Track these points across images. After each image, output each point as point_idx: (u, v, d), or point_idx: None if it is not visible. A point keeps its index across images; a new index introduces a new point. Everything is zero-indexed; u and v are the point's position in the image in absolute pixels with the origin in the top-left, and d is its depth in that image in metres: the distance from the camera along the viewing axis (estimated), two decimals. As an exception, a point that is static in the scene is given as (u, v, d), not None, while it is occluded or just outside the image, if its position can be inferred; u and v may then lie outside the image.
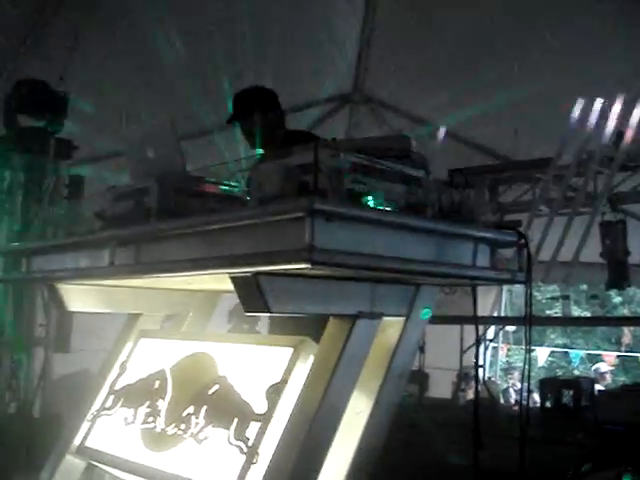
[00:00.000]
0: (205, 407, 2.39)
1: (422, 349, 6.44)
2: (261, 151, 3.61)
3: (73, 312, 3.31)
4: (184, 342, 2.79)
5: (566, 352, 15.98)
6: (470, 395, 7.24)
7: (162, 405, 2.59)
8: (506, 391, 9.49)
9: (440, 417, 5.01)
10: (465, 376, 7.34)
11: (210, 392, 2.42)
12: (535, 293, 2.47)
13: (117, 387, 2.88)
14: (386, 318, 2.23)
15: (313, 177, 1.85)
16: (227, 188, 2.49)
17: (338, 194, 1.89)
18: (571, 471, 3.35)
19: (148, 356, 2.89)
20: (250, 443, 2.16)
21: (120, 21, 5.82)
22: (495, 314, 9.70)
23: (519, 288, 2.51)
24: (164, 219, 2.29)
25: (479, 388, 2.97)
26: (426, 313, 2.33)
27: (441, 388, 7.72)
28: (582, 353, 14.96)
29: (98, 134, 6.00)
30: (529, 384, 2.66)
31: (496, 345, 10.33)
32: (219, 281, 2.20)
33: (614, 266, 6.28)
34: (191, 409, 2.44)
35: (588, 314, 17.67)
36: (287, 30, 6.52)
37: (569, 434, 4.25)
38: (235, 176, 2.61)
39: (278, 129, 3.63)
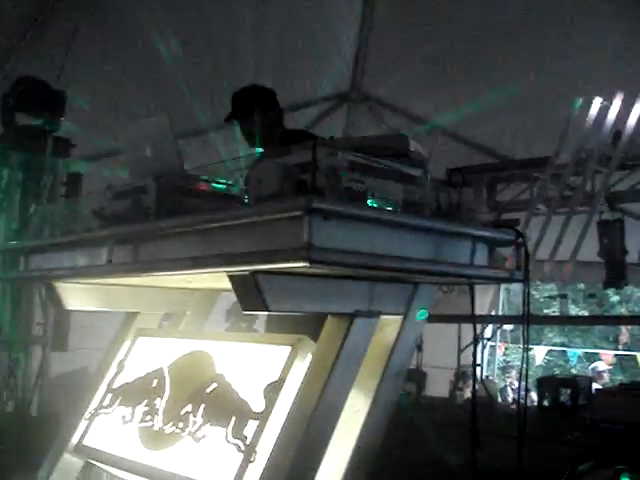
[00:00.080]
0: (203, 405, 2.39)
1: (420, 348, 6.44)
2: (260, 150, 3.61)
3: (71, 310, 3.31)
4: (182, 341, 2.79)
5: (564, 351, 16.01)
6: (468, 394, 7.24)
7: (160, 404, 2.59)
8: (504, 390, 9.51)
9: (438, 416, 5.00)
10: (463, 375, 7.35)
11: (208, 391, 2.42)
12: (533, 292, 2.47)
13: (115, 386, 2.89)
14: (384, 317, 2.23)
15: (311, 176, 1.85)
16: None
17: (336, 193, 1.89)
18: (569, 470, 3.35)
19: (146, 355, 2.89)
20: (248, 441, 2.16)
21: (118, 20, 5.81)
22: (493, 313, 9.70)
23: (517, 287, 2.51)
24: (162, 217, 2.29)
25: (477, 387, 2.97)
26: (422, 314, 2.33)
27: (439, 387, 7.72)
28: (580, 352, 14.99)
29: (95, 132, 6.00)
30: (527, 383, 2.66)
31: (494, 344, 10.33)
32: (217, 280, 2.20)
33: (612, 265, 6.28)
34: (189, 407, 2.44)
35: (586, 313, 17.69)
36: (285, 29, 6.52)
37: (566, 433, 4.25)
38: (233, 175, 2.61)
39: (276, 128, 3.64)
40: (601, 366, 9.93)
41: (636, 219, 7.41)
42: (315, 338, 2.24)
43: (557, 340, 18.94)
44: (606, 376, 9.69)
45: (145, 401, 2.65)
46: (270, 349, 2.36)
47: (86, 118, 5.93)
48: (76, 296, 2.90)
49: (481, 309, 8.95)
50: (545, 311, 15.74)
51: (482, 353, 8.64)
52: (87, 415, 2.91)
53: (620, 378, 13.48)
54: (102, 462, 2.75)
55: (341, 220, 1.82)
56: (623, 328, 16.48)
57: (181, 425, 2.42)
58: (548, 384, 5.58)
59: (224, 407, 2.32)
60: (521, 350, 2.44)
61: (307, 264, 1.72)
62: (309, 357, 2.24)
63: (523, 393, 2.70)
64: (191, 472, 2.30)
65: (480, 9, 6.19)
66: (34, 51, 5.81)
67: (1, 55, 5.88)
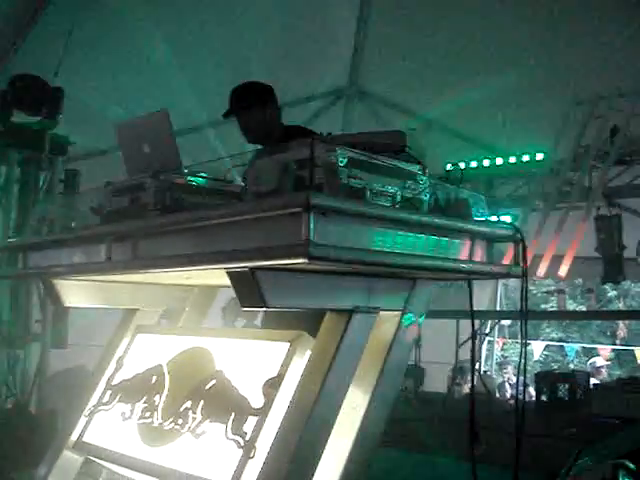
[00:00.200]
0: (202, 402, 2.40)
1: (418, 343, 6.44)
2: (258, 146, 3.61)
3: (70, 308, 3.31)
4: (181, 337, 2.79)
5: (561, 346, 16.02)
6: (466, 389, 7.25)
7: (159, 400, 2.59)
8: (502, 385, 9.51)
9: (436, 411, 5.01)
10: (460, 370, 7.35)
11: (207, 387, 2.43)
12: (530, 287, 2.47)
13: (114, 382, 2.89)
14: (382, 312, 2.23)
15: (309, 172, 1.86)
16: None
17: (334, 189, 1.89)
18: (567, 465, 3.36)
19: (145, 351, 2.90)
20: (247, 437, 2.16)
21: (115, 17, 5.80)
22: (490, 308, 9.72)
23: (514, 282, 2.52)
24: (161, 214, 2.29)
25: (475, 382, 2.98)
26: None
27: (437, 382, 7.73)
28: (577, 347, 15.01)
29: (93, 129, 6.00)
30: (525, 378, 2.67)
31: (492, 339, 10.35)
32: (216, 276, 2.20)
33: (609, 260, 6.30)
34: (188, 404, 2.44)
35: (583, 308, 17.72)
36: (283, 26, 6.52)
37: (565, 428, 4.25)
38: (231, 171, 2.61)
39: (274, 124, 3.63)
40: (599, 361, 9.93)
41: (633, 214, 7.42)
42: (314, 334, 2.25)
43: (555, 335, 18.96)
44: (604, 372, 9.69)
45: (144, 398, 2.65)
46: (269, 345, 2.37)
47: (83, 115, 5.92)
48: (75, 293, 2.89)
49: (480, 304, 8.98)
50: (543, 306, 15.78)
51: (480, 348, 8.65)
52: (86, 412, 2.91)
53: (618, 373, 13.50)
54: (102, 459, 2.76)
55: (339, 216, 1.82)
56: (621, 323, 16.50)
57: (180, 421, 2.43)
58: (546, 379, 5.58)
59: (223, 403, 2.32)
60: (519, 345, 2.45)
61: (306, 260, 1.73)
62: (308, 353, 2.24)
63: (521, 388, 2.70)
64: (191, 468, 2.30)
65: (477, 6, 6.20)
66: (31, 48, 5.80)
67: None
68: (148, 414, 2.59)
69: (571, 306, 16.51)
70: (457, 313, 5.75)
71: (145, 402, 2.64)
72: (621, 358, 15.89)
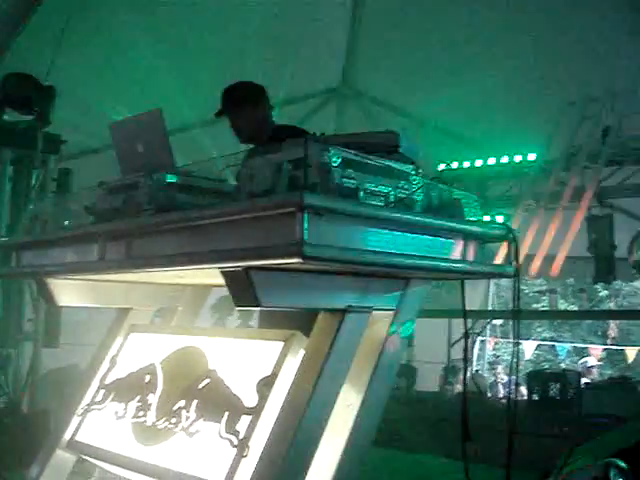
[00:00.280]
0: (196, 401, 2.40)
1: (410, 343, 6.46)
2: (250, 145, 3.61)
3: (62, 307, 3.30)
4: (174, 336, 2.79)
5: (553, 345, 16.06)
6: (458, 388, 7.27)
7: (153, 399, 2.59)
8: (494, 384, 9.53)
9: (428, 410, 5.03)
10: (452, 369, 7.38)
11: (201, 386, 2.43)
12: (522, 287, 2.48)
13: (107, 381, 2.89)
14: (376, 312, 2.24)
15: (303, 172, 1.86)
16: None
17: (328, 189, 1.90)
18: (559, 463, 3.37)
19: (138, 350, 2.90)
20: (241, 436, 2.17)
21: (108, 17, 5.79)
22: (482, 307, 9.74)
23: (506, 281, 2.53)
24: (154, 213, 2.29)
25: (466, 381, 2.99)
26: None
27: (429, 381, 7.75)
28: (569, 346, 15.04)
29: (86, 128, 5.99)
30: (517, 377, 2.68)
31: (483, 338, 10.37)
32: (209, 275, 2.20)
33: (601, 260, 6.33)
34: (182, 403, 2.44)
35: (575, 307, 17.77)
36: (276, 25, 6.52)
37: (556, 426, 4.28)
38: (224, 171, 2.61)
39: (266, 123, 3.63)
40: (590, 361, 9.96)
41: (625, 214, 7.45)
42: (307, 333, 2.25)
43: (546, 334, 19.00)
44: (595, 371, 9.73)
45: (138, 397, 2.65)
46: (262, 344, 2.37)
47: (76, 113, 5.91)
48: (68, 292, 2.89)
49: (473, 304, 9.00)
50: (534, 306, 15.81)
51: (472, 348, 8.67)
52: (79, 411, 2.91)
53: (609, 372, 13.56)
54: (95, 458, 2.75)
55: (333, 216, 1.83)
56: (612, 322, 16.58)
57: (174, 420, 2.43)
58: (538, 378, 5.62)
59: (217, 402, 2.33)
60: (511, 345, 2.46)
61: (300, 260, 1.73)
62: (301, 352, 2.25)
63: (513, 387, 2.71)
64: (184, 467, 2.30)
65: (470, 5, 6.21)
66: (23, 47, 5.78)
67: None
68: (141, 413, 2.59)
69: (562, 306, 16.55)
70: (449, 312, 5.77)
71: (138, 401, 2.64)
72: (612, 358, 15.95)
